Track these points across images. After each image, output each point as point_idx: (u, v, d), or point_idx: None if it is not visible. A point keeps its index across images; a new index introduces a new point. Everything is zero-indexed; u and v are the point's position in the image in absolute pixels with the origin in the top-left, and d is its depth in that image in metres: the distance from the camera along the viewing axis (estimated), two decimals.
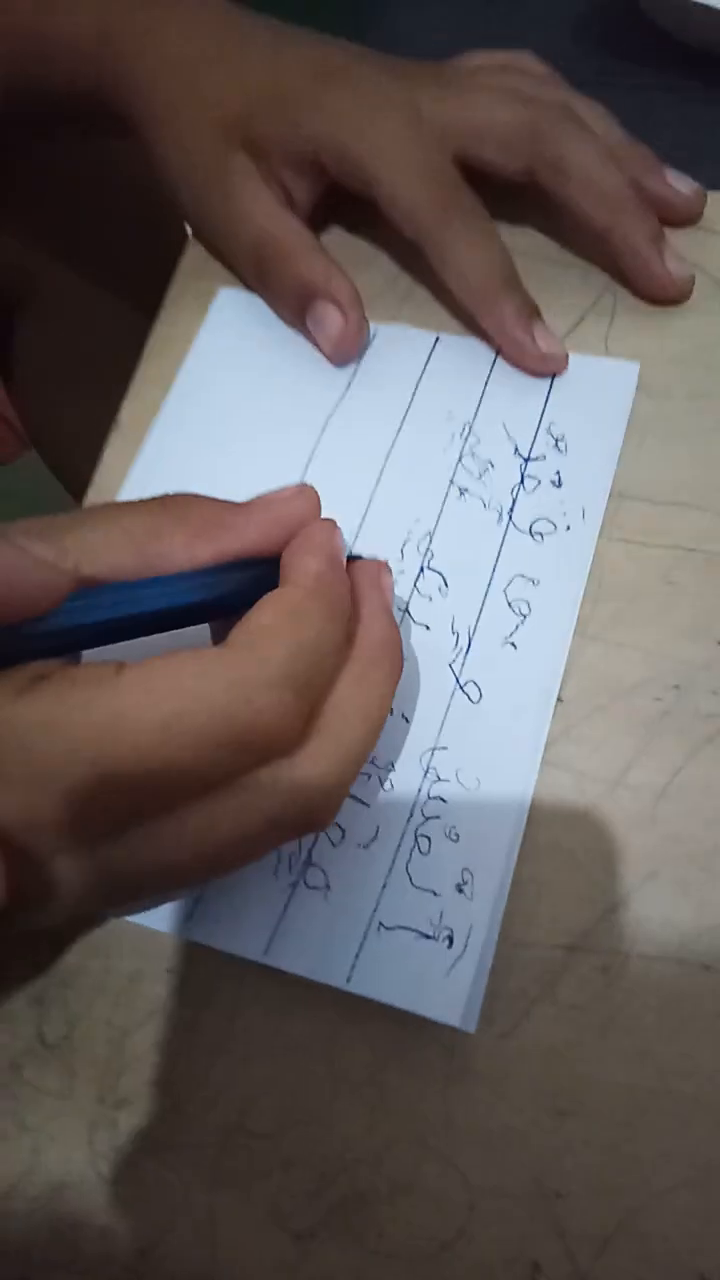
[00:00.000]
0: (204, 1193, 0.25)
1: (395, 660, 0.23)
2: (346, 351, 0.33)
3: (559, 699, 0.27)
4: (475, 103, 0.32)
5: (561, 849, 0.26)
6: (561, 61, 0.35)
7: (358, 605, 0.23)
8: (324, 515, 0.24)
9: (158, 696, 0.18)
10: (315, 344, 0.34)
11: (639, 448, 0.31)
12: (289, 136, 0.32)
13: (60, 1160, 0.25)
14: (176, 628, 0.22)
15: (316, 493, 0.23)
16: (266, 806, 0.20)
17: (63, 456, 0.63)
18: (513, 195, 0.33)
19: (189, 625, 0.22)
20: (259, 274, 0.34)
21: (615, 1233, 0.23)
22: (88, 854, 0.19)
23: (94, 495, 0.33)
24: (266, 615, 0.20)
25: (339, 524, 0.23)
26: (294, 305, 0.33)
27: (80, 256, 0.53)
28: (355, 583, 0.24)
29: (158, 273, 0.37)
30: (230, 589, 0.22)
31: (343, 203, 0.34)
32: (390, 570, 0.25)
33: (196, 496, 0.23)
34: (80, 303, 0.55)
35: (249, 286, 0.35)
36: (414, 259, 0.35)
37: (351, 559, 0.25)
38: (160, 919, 0.26)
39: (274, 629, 0.20)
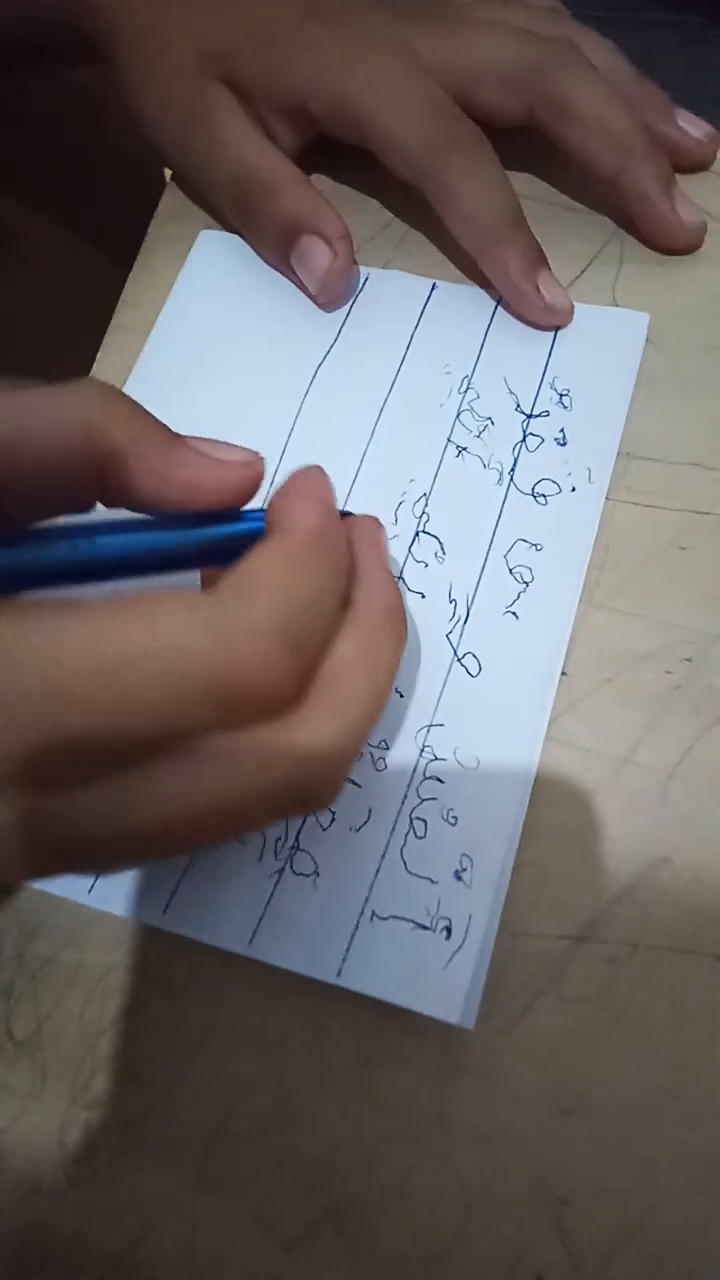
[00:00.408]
0: (187, 1196, 0.23)
1: (400, 624, 0.21)
2: (335, 291, 0.31)
3: (563, 672, 0.26)
4: (474, 40, 0.30)
5: (566, 832, 0.24)
6: None
7: (355, 564, 0.21)
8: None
9: (123, 631, 0.16)
10: (301, 287, 0.31)
11: (648, 404, 0.29)
12: (275, 78, 0.30)
13: (29, 1163, 0.24)
14: (131, 576, 0.20)
15: (263, 470, 0.21)
16: (255, 774, 0.17)
17: None
18: (509, 134, 0.30)
19: (143, 575, 0.20)
20: (240, 210, 0.31)
21: (623, 1240, 0.21)
22: (29, 801, 0.16)
23: None
24: (259, 563, 0.18)
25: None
26: (278, 243, 0.31)
27: (59, 207, 0.51)
28: (351, 539, 0.22)
29: (139, 225, 0.35)
30: (197, 542, 0.20)
31: (330, 145, 0.32)
32: (383, 526, 0.23)
33: (132, 404, 0.20)
34: (58, 256, 0.52)
35: (230, 226, 0.33)
36: (407, 203, 0.33)
37: (342, 515, 0.23)
38: (136, 908, 0.24)
39: (268, 578, 0.18)
